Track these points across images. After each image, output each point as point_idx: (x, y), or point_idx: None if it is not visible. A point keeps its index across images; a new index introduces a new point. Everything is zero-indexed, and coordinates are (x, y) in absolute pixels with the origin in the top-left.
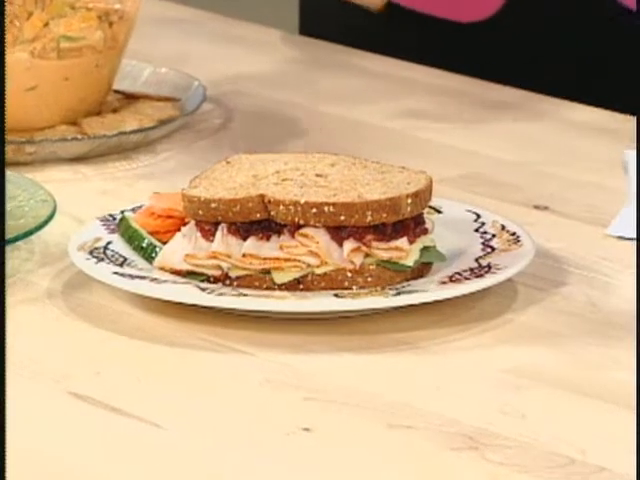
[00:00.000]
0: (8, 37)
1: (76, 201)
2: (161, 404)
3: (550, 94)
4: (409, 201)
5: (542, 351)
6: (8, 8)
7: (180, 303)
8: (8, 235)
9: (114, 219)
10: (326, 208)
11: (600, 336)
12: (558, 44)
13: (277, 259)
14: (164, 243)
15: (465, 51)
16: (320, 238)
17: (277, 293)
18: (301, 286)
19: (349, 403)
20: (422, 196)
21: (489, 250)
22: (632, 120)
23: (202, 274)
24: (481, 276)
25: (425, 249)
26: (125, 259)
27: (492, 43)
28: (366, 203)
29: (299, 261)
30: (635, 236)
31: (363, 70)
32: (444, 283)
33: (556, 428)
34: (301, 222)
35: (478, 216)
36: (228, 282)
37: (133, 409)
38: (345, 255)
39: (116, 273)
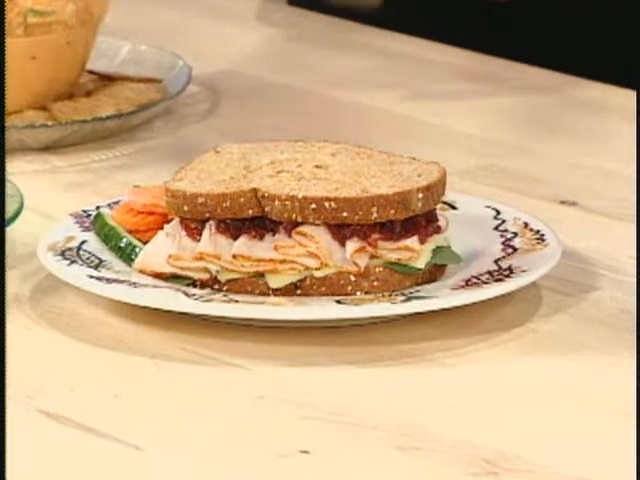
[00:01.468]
0: None
1: (46, 195)
2: (142, 424)
3: (583, 76)
4: (420, 195)
5: (569, 364)
6: None
7: (163, 310)
8: None
9: (88, 216)
10: (327, 204)
11: (634, 347)
12: (591, 24)
13: (272, 261)
14: (145, 243)
15: (490, 30)
16: (320, 237)
17: (272, 299)
18: (299, 291)
19: (352, 422)
20: (435, 190)
21: (510, 251)
22: None
23: (187, 277)
24: (501, 280)
25: (438, 249)
26: (101, 261)
27: (521, 22)
28: (372, 198)
29: (296, 263)
30: None
31: (370, 48)
32: (459, 288)
33: (586, 451)
34: (299, 219)
35: (498, 212)
36: (217, 287)
37: (111, 429)
38: (348, 256)
39: (91, 276)
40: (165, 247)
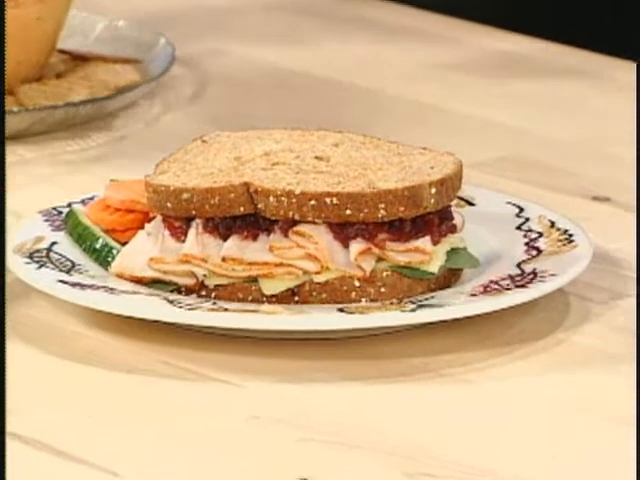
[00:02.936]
0: None
1: (12, 191)
2: (119, 447)
3: (617, 56)
4: (433, 191)
5: (601, 379)
6: None
7: (143, 320)
8: None
9: (60, 213)
10: (328, 200)
11: None
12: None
13: (266, 264)
14: (123, 244)
15: (512, 5)
16: (320, 238)
17: (266, 307)
18: (297, 298)
19: (356, 445)
20: (449, 184)
21: (534, 253)
22: None
23: (171, 283)
24: (524, 286)
25: (453, 251)
26: (74, 264)
27: None
28: (378, 193)
29: (294, 266)
30: None
31: (379, 25)
32: (477, 295)
33: (620, 477)
34: (296, 217)
35: (521, 209)
36: (204, 293)
37: (84, 453)
38: (352, 259)
39: (62, 282)
40: (146, 249)
